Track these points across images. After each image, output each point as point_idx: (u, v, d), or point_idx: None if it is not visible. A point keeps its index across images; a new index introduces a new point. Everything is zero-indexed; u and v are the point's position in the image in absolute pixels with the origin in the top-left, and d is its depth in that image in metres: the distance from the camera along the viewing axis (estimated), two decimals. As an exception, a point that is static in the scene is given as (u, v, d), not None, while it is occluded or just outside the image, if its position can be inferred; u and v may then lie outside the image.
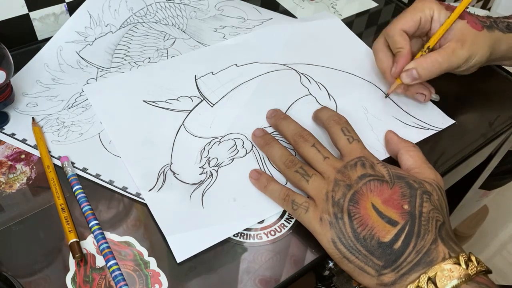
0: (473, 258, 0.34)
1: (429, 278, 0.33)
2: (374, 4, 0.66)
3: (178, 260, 0.37)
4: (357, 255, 0.35)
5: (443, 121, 0.49)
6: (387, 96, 0.50)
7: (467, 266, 0.33)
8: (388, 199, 0.36)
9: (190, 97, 0.50)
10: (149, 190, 0.41)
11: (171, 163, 0.44)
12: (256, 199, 0.41)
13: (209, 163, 0.44)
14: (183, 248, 0.38)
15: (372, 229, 0.35)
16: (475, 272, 0.33)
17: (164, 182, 0.42)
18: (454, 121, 0.49)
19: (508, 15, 0.51)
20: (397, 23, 0.47)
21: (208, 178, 0.43)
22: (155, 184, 0.42)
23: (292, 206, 0.38)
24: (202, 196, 0.41)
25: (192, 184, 0.42)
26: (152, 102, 0.49)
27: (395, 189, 0.37)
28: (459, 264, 0.33)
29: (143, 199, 0.41)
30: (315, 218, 0.37)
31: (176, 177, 0.43)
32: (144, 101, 0.49)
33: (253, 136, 0.45)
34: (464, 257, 0.33)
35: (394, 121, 0.49)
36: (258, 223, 0.40)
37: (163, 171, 0.43)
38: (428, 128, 0.49)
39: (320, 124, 0.46)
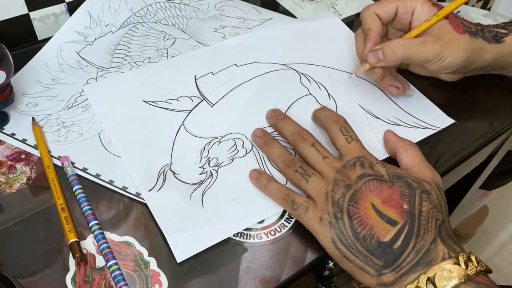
0: (473, 258, 0.34)
1: (428, 279, 0.33)
2: (374, 4, 0.66)
3: (178, 260, 0.37)
4: (357, 254, 0.35)
5: (443, 120, 0.49)
6: (352, 76, 0.50)
7: (467, 266, 0.33)
8: (387, 198, 0.36)
9: (190, 97, 0.50)
10: (149, 190, 0.41)
11: (171, 163, 0.44)
12: (256, 199, 0.41)
13: (209, 163, 0.44)
14: (183, 248, 0.38)
15: (372, 229, 0.35)
16: (474, 272, 0.33)
17: (164, 182, 0.42)
18: (454, 121, 0.49)
19: (500, 23, 0.50)
20: (371, 6, 0.47)
21: (208, 178, 0.43)
22: (155, 184, 0.42)
23: (292, 205, 0.38)
24: (202, 196, 0.41)
25: (192, 184, 0.42)
26: (152, 102, 0.49)
27: (394, 188, 0.37)
28: (459, 264, 0.33)
29: (143, 199, 0.41)
30: (315, 218, 0.37)
31: (176, 177, 0.43)
32: (144, 101, 0.49)
33: (253, 136, 0.45)
34: (463, 257, 0.33)
35: (394, 121, 0.49)
36: (258, 223, 0.40)
37: (163, 171, 0.43)
38: (428, 128, 0.49)
39: (319, 124, 0.46)
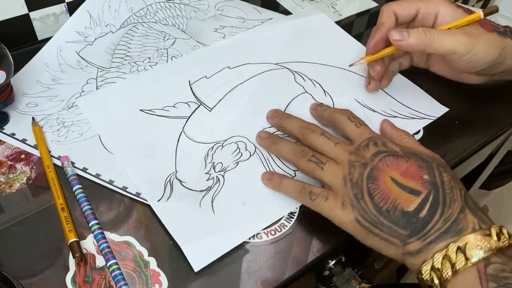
0: (504, 231, 0.33)
1: (458, 248, 0.32)
2: (374, 4, 0.66)
3: (196, 269, 0.37)
4: (381, 227, 0.35)
5: (437, 109, 0.50)
6: (350, 65, 0.50)
7: (499, 238, 0.32)
8: (406, 171, 0.36)
9: (187, 103, 0.49)
10: (158, 201, 0.41)
11: (176, 171, 0.43)
12: (266, 201, 0.41)
13: (214, 169, 0.43)
14: (199, 256, 0.37)
15: (395, 201, 0.35)
16: (507, 245, 0.32)
17: (172, 191, 0.41)
18: (448, 109, 0.50)
19: None
20: (392, 4, 0.46)
21: (216, 183, 0.42)
22: (163, 194, 0.41)
23: (310, 196, 0.38)
24: (212, 202, 0.41)
25: (200, 191, 0.42)
26: (149, 110, 0.48)
27: (411, 162, 0.36)
28: (490, 236, 0.32)
29: (144, 199, 0.41)
30: (336, 204, 0.37)
31: (183, 185, 0.42)
32: (141, 110, 0.48)
33: (259, 138, 0.45)
34: (496, 229, 0.33)
35: (391, 113, 0.49)
36: (258, 223, 0.40)
37: (169, 180, 0.42)
38: (424, 118, 0.49)
39: (325, 123, 0.46)
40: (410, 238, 0.34)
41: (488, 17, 0.46)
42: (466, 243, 0.32)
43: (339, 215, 0.37)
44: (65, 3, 0.56)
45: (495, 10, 0.45)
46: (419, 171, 0.36)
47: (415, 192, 0.35)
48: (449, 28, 0.45)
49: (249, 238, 0.39)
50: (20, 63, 0.51)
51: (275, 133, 0.46)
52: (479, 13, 0.44)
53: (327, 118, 0.44)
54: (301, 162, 0.40)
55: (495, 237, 0.32)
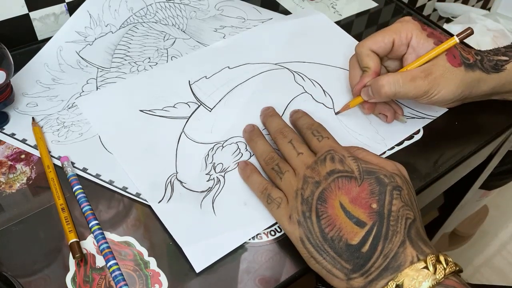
0: (442, 259, 0.32)
1: (397, 286, 0.32)
2: (374, 4, 0.66)
3: (197, 270, 0.37)
4: (324, 256, 0.34)
5: (437, 109, 0.50)
6: (337, 113, 0.49)
7: (435, 269, 0.32)
8: (356, 197, 0.35)
9: (187, 103, 0.49)
10: (159, 202, 0.41)
11: (177, 172, 0.43)
12: None
13: (215, 169, 0.43)
14: (201, 257, 0.37)
15: (340, 230, 0.34)
16: (443, 275, 0.32)
17: (173, 192, 0.41)
18: (448, 108, 0.50)
19: (502, 47, 0.49)
20: (367, 42, 0.46)
21: (216, 184, 0.42)
22: (164, 196, 0.41)
23: (267, 200, 0.39)
24: (213, 203, 0.41)
25: (201, 192, 0.42)
26: (149, 111, 0.48)
27: (364, 186, 0.35)
28: (427, 268, 0.32)
29: (144, 200, 0.41)
30: (285, 215, 0.37)
31: (184, 186, 0.42)
32: (141, 110, 0.48)
33: (243, 131, 0.46)
34: (431, 260, 0.32)
35: None
36: (258, 223, 0.40)
37: (170, 181, 0.42)
38: (424, 118, 0.49)
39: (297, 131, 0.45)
40: (353, 274, 0.33)
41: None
42: (403, 280, 0.32)
43: (286, 227, 0.37)
44: (65, 3, 0.56)
45: (470, 33, 0.43)
46: (369, 198, 0.35)
47: (361, 223, 0.34)
48: (420, 60, 0.44)
49: (249, 239, 0.39)
50: (20, 63, 0.51)
51: (263, 130, 0.46)
52: (454, 38, 0.43)
53: (298, 129, 0.44)
54: (266, 168, 0.41)
55: (431, 269, 0.32)
